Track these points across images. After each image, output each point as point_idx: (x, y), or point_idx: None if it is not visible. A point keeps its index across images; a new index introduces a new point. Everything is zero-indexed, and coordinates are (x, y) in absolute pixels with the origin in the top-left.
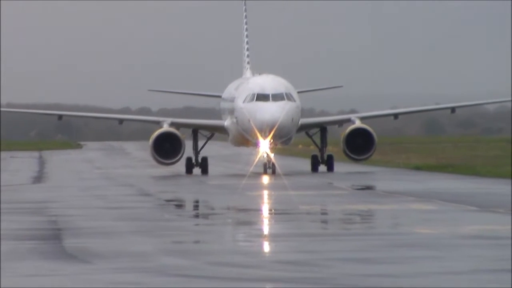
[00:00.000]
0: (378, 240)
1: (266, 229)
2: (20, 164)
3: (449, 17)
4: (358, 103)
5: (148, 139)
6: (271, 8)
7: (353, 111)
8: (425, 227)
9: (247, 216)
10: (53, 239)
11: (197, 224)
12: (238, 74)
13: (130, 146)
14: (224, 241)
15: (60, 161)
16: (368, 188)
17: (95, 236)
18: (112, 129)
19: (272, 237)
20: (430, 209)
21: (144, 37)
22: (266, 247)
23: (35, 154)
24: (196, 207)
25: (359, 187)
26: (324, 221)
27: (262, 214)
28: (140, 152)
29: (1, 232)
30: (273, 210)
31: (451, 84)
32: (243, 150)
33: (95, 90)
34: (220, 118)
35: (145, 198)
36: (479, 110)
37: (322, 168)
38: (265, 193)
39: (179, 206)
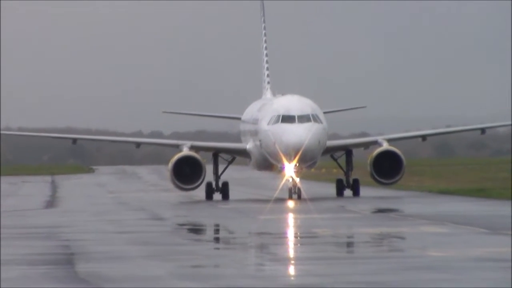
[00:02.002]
0: (389, 264)
1: (273, 253)
2: (33, 188)
3: (459, 39)
4: (367, 126)
5: (160, 163)
6: (290, 27)
7: (363, 134)
8: (436, 250)
9: (259, 239)
10: (65, 264)
11: (209, 249)
12: (257, 95)
13: (143, 170)
14: (237, 265)
15: (72, 185)
16: (387, 210)
17: (107, 260)
18: (124, 153)
19: (281, 261)
20: (442, 232)
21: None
22: (274, 270)
23: (48, 178)
24: (207, 231)
25: (377, 210)
26: (340, 245)
27: (271, 237)
28: (152, 176)
29: (14, 258)
30: (281, 234)
31: (461, 106)
32: (257, 174)
33: (106, 114)
34: (238, 141)
35: (157, 222)
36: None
37: (348, 192)
38: (281, 217)
39: (195, 230)
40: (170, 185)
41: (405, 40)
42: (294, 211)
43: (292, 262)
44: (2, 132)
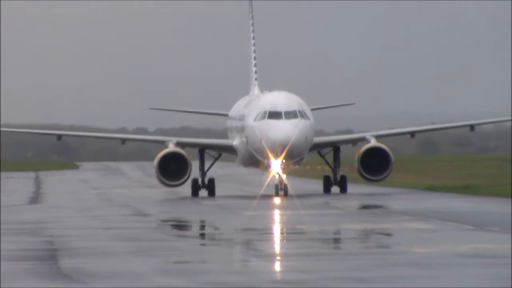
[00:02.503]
0: (373, 260)
1: (258, 249)
2: (17, 184)
3: (443, 37)
4: (352, 123)
5: (144, 159)
6: (279, 25)
7: (349, 131)
8: (421, 246)
9: (244, 235)
10: (49, 260)
11: (194, 245)
12: (245, 91)
13: (127, 167)
14: (221, 261)
15: (56, 181)
16: (372, 207)
17: (91, 256)
18: (108, 149)
19: (266, 257)
20: (426, 228)
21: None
22: (258, 266)
23: (32, 174)
24: (192, 227)
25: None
26: (324, 241)
27: (255, 233)
28: (136, 172)
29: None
30: (265, 230)
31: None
32: (242, 170)
33: (90, 110)
34: (222, 137)
35: (141, 219)
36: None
37: (335, 189)
38: (265, 213)
39: (179, 226)
40: (155, 182)
41: (391, 38)
42: (279, 207)
43: (277, 258)
44: None
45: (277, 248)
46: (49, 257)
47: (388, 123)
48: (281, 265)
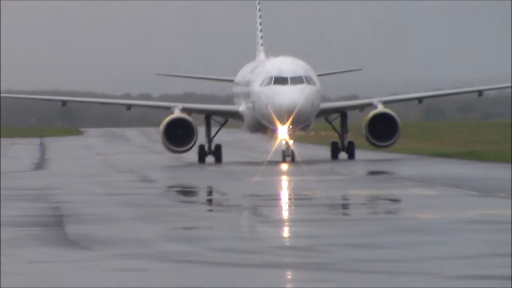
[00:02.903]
0: (378, 226)
1: (264, 215)
2: (21, 150)
3: (448, 3)
4: (357, 89)
5: (148, 125)
6: None
7: (354, 97)
8: (426, 212)
9: (248, 201)
10: (55, 226)
11: (199, 210)
12: (251, 57)
13: (131, 132)
14: (227, 227)
15: (61, 147)
16: (378, 173)
17: (97, 222)
18: (113, 115)
19: (273, 223)
20: (431, 194)
21: (146, 19)
22: (267, 232)
23: (36, 140)
24: (199, 193)
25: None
26: (329, 207)
27: (260, 199)
28: (140, 138)
29: (3, 220)
30: (272, 196)
31: (450, 69)
32: (248, 136)
33: (93, 76)
34: (226, 103)
35: (147, 185)
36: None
37: (343, 155)
38: (271, 179)
39: (185, 192)
40: (159, 148)
41: (397, 4)
42: (285, 173)
43: (283, 224)
44: None
45: (282, 214)
46: (55, 223)
47: (392, 89)
48: (287, 231)
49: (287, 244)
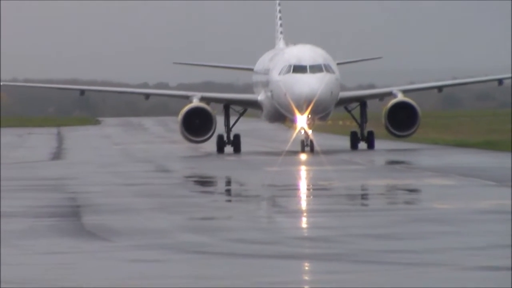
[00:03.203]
0: (394, 216)
1: (282, 205)
2: (39, 140)
3: None
4: (374, 78)
5: (166, 114)
6: None
7: (371, 86)
8: (443, 202)
9: (265, 191)
10: (72, 216)
11: (216, 201)
12: (271, 45)
13: (148, 122)
14: (244, 218)
15: (78, 137)
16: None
17: (114, 213)
18: (130, 104)
19: (290, 213)
20: (448, 184)
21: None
22: (281, 222)
23: (53, 130)
24: (217, 183)
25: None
26: (346, 197)
27: (277, 189)
28: (158, 127)
29: (19, 210)
30: (286, 186)
31: (465, 58)
32: (267, 125)
33: (111, 66)
34: (244, 92)
35: (164, 175)
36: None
37: (362, 145)
38: (286, 169)
39: (202, 182)
40: (177, 137)
41: None
42: (302, 163)
43: (299, 214)
44: (8, 83)
45: (300, 204)
46: (72, 213)
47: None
48: (304, 222)
49: (305, 234)
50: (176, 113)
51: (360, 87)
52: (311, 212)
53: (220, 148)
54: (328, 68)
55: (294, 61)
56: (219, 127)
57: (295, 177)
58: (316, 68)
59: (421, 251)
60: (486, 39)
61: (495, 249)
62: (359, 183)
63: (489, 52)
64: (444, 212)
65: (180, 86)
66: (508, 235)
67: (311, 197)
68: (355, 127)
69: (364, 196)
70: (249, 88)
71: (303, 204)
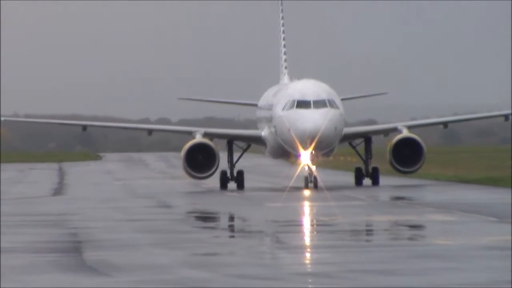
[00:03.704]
0: (397, 252)
1: (280, 241)
2: (40, 175)
3: (465, 25)
4: (375, 114)
5: (167, 150)
6: (309, 10)
7: (372, 121)
8: (445, 238)
9: (265, 227)
10: (73, 252)
11: (217, 236)
12: (275, 80)
13: (150, 157)
14: (246, 253)
15: (79, 172)
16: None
17: (115, 248)
18: (132, 140)
19: (289, 249)
20: (450, 220)
21: (164, 42)
22: (283, 258)
23: (55, 165)
24: (220, 219)
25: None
26: (347, 233)
27: (278, 225)
28: (159, 163)
29: (21, 246)
30: (288, 222)
31: (466, 94)
32: (270, 162)
33: (112, 101)
34: (247, 128)
35: (165, 210)
36: (496, 120)
37: (367, 181)
38: (288, 205)
39: (204, 218)
40: (178, 173)
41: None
42: (305, 199)
43: (299, 250)
44: (9, 118)
45: (299, 240)
46: (73, 249)
47: (410, 114)
48: (306, 257)
49: (308, 270)
50: (177, 149)
51: (361, 123)
52: (313, 247)
53: (224, 184)
54: (332, 104)
55: (297, 96)
56: (222, 163)
57: (296, 212)
58: (320, 104)
59: (423, 287)
60: (488, 75)
61: (496, 284)
62: (361, 219)
63: (491, 88)
64: (446, 248)
65: (182, 122)
66: (509, 271)
67: (314, 232)
68: (359, 163)
69: (366, 232)
70: (250, 123)
71: (305, 240)
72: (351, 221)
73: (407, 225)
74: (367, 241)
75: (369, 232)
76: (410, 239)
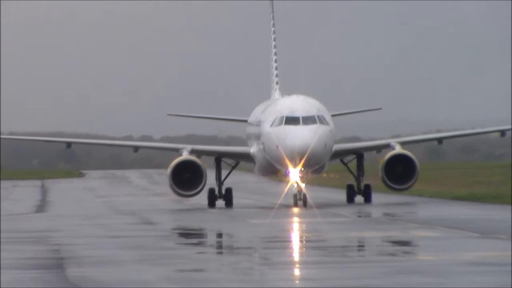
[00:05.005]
0: (380, 268)
1: (263, 257)
2: (23, 193)
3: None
4: (359, 130)
5: (150, 167)
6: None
7: (355, 138)
8: (428, 254)
9: (248, 244)
10: (56, 268)
11: (199, 253)
12: (266, 96)
13: (132, 174)
14: (226, 269)
15: (62, 190)
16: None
17: (98, 265)
18: (114, 157)
19: (270, 265)
20: (433, 236)
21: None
22: (264, 274)
23: (37, 183)
24: (200, 235)
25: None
26: (331, 249)
27: (258, 242)
28: (142, 180)
29: (4, 262)
30: (272, 238)
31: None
32: (259, 179)
33: (95, 119)
34: (229, 145)
35: (148, 227)
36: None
37: (359, 199)
38: (273, 222)
39: (187, 235)
40: (161, 189)
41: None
42: (290, 216)
43: (282, 266)
44: None
45: (281, 256)
46: (56, 265)
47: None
48: (286, 273)
49: (292, 286)
50: (160, 166)
51: (343, 140)
52: (290, 263)
53: (212, 202)
54: (322, 120)
55: (286, 113)
56: (210, 180)
57: (281, 229)
58: (309, 120)
59: None
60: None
61: None
62: (346, 235)
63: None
64: (429, 263)
65: (164, 139)
66: (492, 286)
67: (301, 249)
68: (347, 180)
69: (351, 248)
70: (233, 140)
71: (290, 256)
72: (334, 237)
73: (390, 241)
74: (349, 256)
75: (351, 248)
76: (393, 254)
